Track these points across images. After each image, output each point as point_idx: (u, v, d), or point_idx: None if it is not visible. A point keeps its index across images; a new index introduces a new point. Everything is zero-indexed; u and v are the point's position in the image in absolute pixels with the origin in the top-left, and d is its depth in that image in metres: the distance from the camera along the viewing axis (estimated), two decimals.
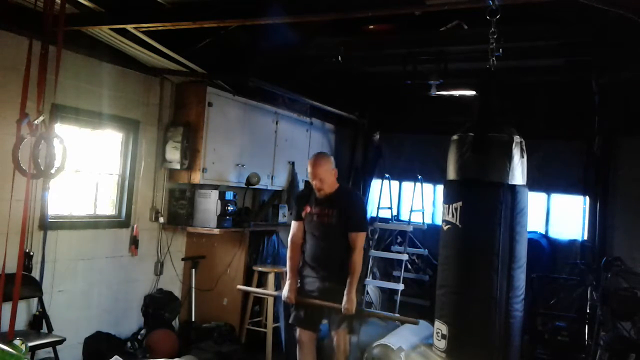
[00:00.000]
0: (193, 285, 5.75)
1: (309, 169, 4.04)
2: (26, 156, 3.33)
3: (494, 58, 3.27)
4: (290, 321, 4.20)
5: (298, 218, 4.22)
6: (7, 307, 3.57)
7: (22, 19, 3.99)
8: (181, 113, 5.53)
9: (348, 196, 4.13)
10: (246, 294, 5.70)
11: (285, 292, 4.16)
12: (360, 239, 3.99)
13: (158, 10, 3.87)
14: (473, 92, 5.38)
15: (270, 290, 5.55)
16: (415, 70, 5.52)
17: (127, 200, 5.25)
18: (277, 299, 4.53)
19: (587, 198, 6.30)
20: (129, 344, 5.03)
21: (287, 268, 4.22)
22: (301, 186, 6.86)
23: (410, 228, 6.60)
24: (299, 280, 4.20)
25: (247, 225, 5.81)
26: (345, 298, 3.89)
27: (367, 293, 6.40)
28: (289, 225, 4.35)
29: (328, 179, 4.01)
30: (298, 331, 4.14)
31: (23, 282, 3.71)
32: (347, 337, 4.05)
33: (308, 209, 4.12)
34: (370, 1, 3.31)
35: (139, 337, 5.16)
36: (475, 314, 3.22)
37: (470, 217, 3.22)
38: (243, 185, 5.86)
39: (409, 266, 6.81)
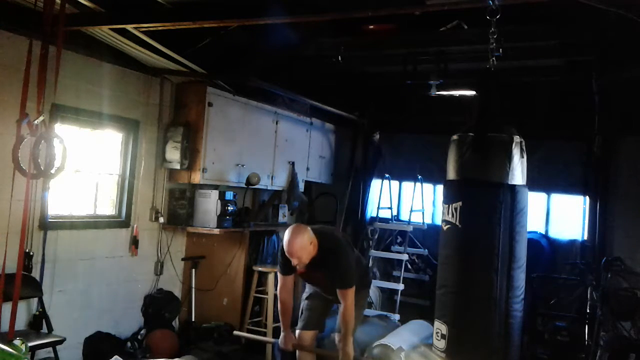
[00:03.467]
0: (193, 285, 5.75)
1: (286, 248, 3.69)
2: (26, 156, 3.34)
3: (494, 58, 3.28)
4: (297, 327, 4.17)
5: (285, 272, 3.93)
6: (7, 307, 3.57)
7: (22, 19, 3.99)
8: (181, 113, 5.53)
9: (329, 256, 3.79)
10: (246, 293, 5.71)
11: (281, 340, 4.03)
12: (348, 294, 3.77)
13: (158, 10, 3.87)
14: (473, 92, 5.38)
15: (269, 289, 5.56)
16: (415, 70, 5.52)
17: (127, 200, 5.25)
18: (274, 346, 4.49)
19: (587, 198, 6.29)
20: (129, 344, 5.03)
21: (280, 315, 4.03)
22: (301, 186, 6.87)
23: (410, 228, 6.60)
24: (306, 292, 4.17)
25: (247, 225, 5.81)
26: (340, 353, 3.84)
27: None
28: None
29: (305, 254, 3.69)
30: (299, 332, 4.12)
31: (23, 282, 3.71)
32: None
33: (301, 270, 3.87)
34: (370, 1, 3.30)
35: (139, 337, 5.16)
36: (475, 314, 3.22)
37: (470, 217, 3.22)
38: (243, 185, 5.86)
39: (409, 266, 6.81)
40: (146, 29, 4.27)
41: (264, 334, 5.46)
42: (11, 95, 3.89)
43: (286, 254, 3.69)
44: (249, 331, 5.65)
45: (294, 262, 3.68)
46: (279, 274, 3.99)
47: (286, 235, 3.68)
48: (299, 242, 3.63)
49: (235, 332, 4.98)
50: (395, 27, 4.85)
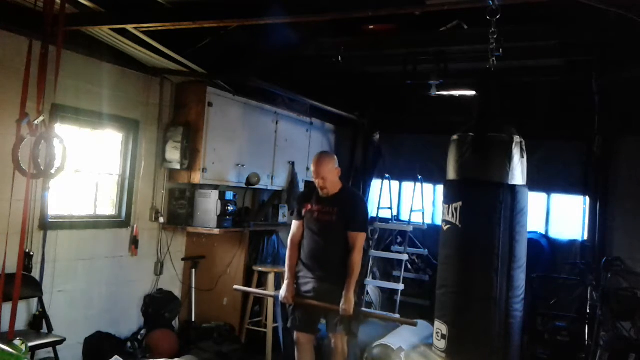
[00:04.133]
0: (193, 285, 5.75)
1: (312, 168, 4.02)
2: (26, 156, 3.33)
3: (494, 58, 3.28)
4: (288, 325, 4.19)
5: (299, 217, 4.19)
6: (7, 307, 3.58)
7: (22, 19, 3.99)
8: (181, 113, 5.53)
9: (351, 196, 4.13)
10: (246, 294, 5.70)
11: (282, 292, 4.13)
12: (360, 239, 3.97)
13: (158, 10, 3.87)
14: (473, 92, 5.38)
15: (269, 290, 5.56)
16: (415, 70, 5.52)
17: (127, 200, 5.25)
18: (274, 299, 4.52)
19: (587, 198, 6.29)
20: (129, 344, 5.03)
21: (286, 267, 4.20)
22: (301, 186, 6.86)
23: (410, 228, 6.59)
24: (295, 281, 4.19)
25: (247, 225, 5.81)
26: (343, 299, 3.87)
27: (367, 293, 6.41)
28: (289, 225, 4.34)
29: (331, 178, 4.00)
30: (296, 333, 4.13)
31: (23, 282, 3.72)
32: (345, 339, 4.03)
33: (309, 206, 4.10)
34: (370, 1, 3.30)
35: (139, 337, 5.16)
36: (475, 314, 3.22)
37: (470, 217, 3.22)
38: (243, 185, 5.86)
39: (409, 266, 6.80)
40: (146, 29, 4.27)
41: (264, 334, 5.46)
42: (11, 95, 3.89)
43: (313, 174, 4.02)
44: (248, 331, 5.66)
45: (319, 182, 3.98)
46: (293, 221, 4.24)
47: (314, 158, 4.05)
48: (327, 162, 3.99)
49: (236, 287, 5.04)
50: (395, 27, 4.85)
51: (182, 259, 5.84)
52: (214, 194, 5.52)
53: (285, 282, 4.16)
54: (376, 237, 6.79)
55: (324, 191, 4.00)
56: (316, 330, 4.22)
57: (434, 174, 6.81)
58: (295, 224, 4.22)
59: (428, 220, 6.96)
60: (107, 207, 5.24)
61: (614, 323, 4.98)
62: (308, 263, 4.11)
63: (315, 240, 4.09)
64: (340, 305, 3.87)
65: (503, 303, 3.16)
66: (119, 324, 5.19)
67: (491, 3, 2.95)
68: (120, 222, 5.22)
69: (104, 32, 4.33)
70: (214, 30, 4.71)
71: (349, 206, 3.99)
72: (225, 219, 5.54)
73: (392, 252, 6.84)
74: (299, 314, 4.12)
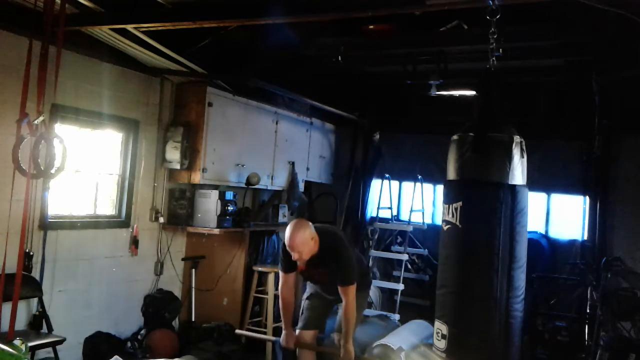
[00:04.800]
0: (193, 285, 5.75)
1: (287, 242, 3.71)
2: (26, 156, 3.34)
3: (494, 58, 3.28)
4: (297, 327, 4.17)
5: (286, 270, 3.93)
6: (7, 307, 3.58)
7: (22, 19, 3.98)
8: (181, 113, 5.53)
9: (330, 253, 3.80)
10: (246, 294, 5.71)
11: (283, 340, 4.03)
12: (349, 291, 3.77)
13: (158, 10, 3.87)
14: (473, 92, 5.38)
15: (269, 289, 5.56)
16: (415, 70, 5.52)
17: (127, 200, 5.25)
18: (275, 344, 4.49)
19: (587, 198, 6.29)
20: (129, 344, 5.03)
21: (282, 314, 4.02)
22: (301, 186, 6.86)
23: (410, 228, 6.59)
24: (307, 292, 4.17)
25: (247, 225, 5.81)
26: (342, 350, 3.83)
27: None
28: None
29: (307, 249, 3.69)
30: (299, 332, 4.12)
31: (23, 282, 3.72)
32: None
33: (299, 267, 3.88)
34: (370, 1, 3.30)
35: (139, 337, 5.16)
36: (475, 314, 3.22)
37: (470, 217, 3.22)
38: (243, 185, 5.86)
39: (409, 266, 6.81)
40: (146, 29, 4.26)
41: (264, 334, 5.45)
42: (11, 95, 3.89)
43: (287, 248, 3.69)
44: (249, 331, 5.65)
45: (295, 256, 3.68)
46: (280, 272, 3.99)
47: (288, 229, 3.69)
48: (300, 237, 3.64)
49: (237, 331, 4.98)
50: (395, 27, 4.85)
51: (182, 259, 5.84)
52: (214, 194, 5.52)
53: (284, 331, 4.01)
54: (376, 237, 6.80)
55: (300, 262, 3.77)
56: (322, 327, 4.22)
57: (434, 174, 6.81)
58: (283, 276, 3.97)
59: (428, 220, 6.97)
60: (107, 207, 5.24)
61: (614, 323, 4.97)
62: (321, 293, 4.09)
63: (317, 289, 4.10)
64: (341, 355, 3.84)
65: (503, 303, 3.16)
66: (119, 324, 5.19)
67: (491, 3, 2.95)
68: (120, 222, 5.22)
69: (104, 32, 4.33)
70: (214, 30, 4.71)
71: (331, 264, 3.80)
72: (225, 219, 5.54)
73: (392, 252, 6.84)
74: (308, 314, 4.12)
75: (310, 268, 3.84)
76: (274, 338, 4.53)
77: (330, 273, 3.81)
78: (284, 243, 3.76)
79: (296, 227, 3.67)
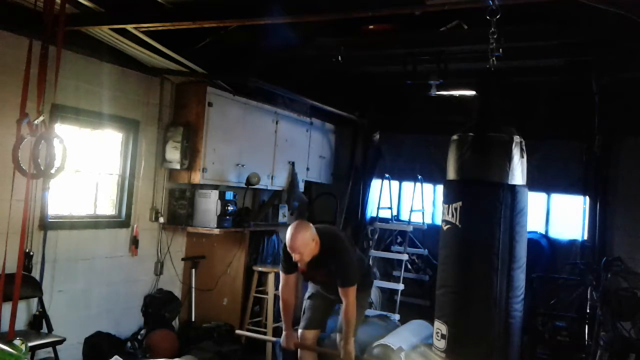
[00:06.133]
0: (193, 285, 5.75)
1: (288, 243, 3.70)
2: (26, 156, 3.34)
3: (494, 58, 3.28)
4: (299, 327, 4.17)
5: (287, 271, 3.93)
6: (7, 307, 3.58)
7: (22, 19, 3.99)
8: (181, 113, 5.53)
9: (331, 254, 3.80)
10: (246, 294, 5.71)
11: (283, 340, 4.03)
12: (349, 293, 3.77)
13: (158, 10, 3.87)
14: (473, 92, 5.37)
15: (269, 289, 5.56)
16: (415, 70, 5.52)
17: (127, 200, 5.25)
18: (276, 345, 4.50)
19: (587, 198, 6.29)
20: (129, 344, 5.03)
21: (282, 315, 4.03)
22: (301, 186, 6.86)
23: (410, 228, 6.60)
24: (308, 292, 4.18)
25: (247, 225, 5.81)
26: (342, 351, 3.84)
27: None
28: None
29: (307, 251, 3.70)
30: (300, 331, 4.12)
31: (23, 282, 3.71)
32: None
33: (300, 269, 3.90)
34: (370, 1, 3.30)
35: (139, 337, 5.16)
36: (475, 314, 3.22)
37: (470, 217, 3.22)
38: (243, 185, 5.86)
39: (409, 266, 6.81)
40: (146, 29, 4.27)
41: (264, 334, 5.46)
42: (11, 95, 3.89)
43: (288, 249, 3.69)
44: (249, 331, 5.65)
45: (296, 257, 3.69)
46: (281, 273, 3.99)
47: (288, 231, 3.70)
48: (300, 238, 3.64)
49: (238, 331, 4.99)
50: (395, 27, 4.85)
51: (182, 259, 5.84)
52: (214, 194, 5.52)
53: (285, 332, 4.01)
54: (376, 237, 6.80)
55: (301, 263, 3.78)
56: (324, 327, 4.22)
57: (434, 174, 6.82)
58: (284, 277, 3.97)
59: (428, 220, 6.97)
60: (107, 207, 5.24)
61: (614, 323, 4.97)
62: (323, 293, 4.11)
63: (319, 288, 4.12)
64: (341, 356, 3.85)
65: (503, 303, 3.17)
66: (119, 324, 5.19)
67: (491, 3, 2.95)
68: (120, 222, 5.22)
69: (104, 32, 4.33)
70: (214, 30, 4.71)
71: (332, 265, 3.80)
72: (225, 219, 5.54)
73: (392, 252, 6.84)
74: (309, 314, 4.13)
75: (311, 269, 3.84)
76: (274, 339, 4.53)
77: (331, 274, 3.81)
78: (284, 244, 3.76)
79: (297, 229, 3.67)
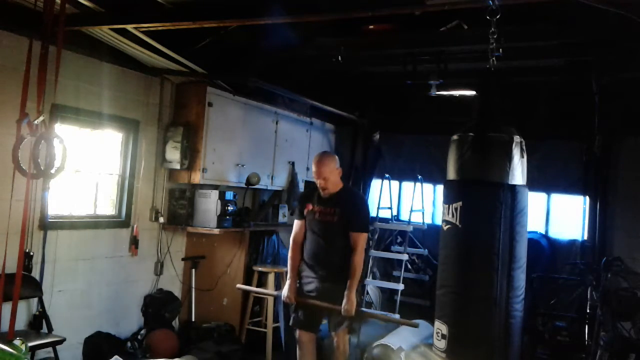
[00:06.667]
0: (193, 285, 5.75)
1: (314, 168, 4.01)
2: (26, 156, 3.33)
3: (494, 58, 3.28)
4: (290, 324, 4.19)
5: (300, 217, 4.18)
6: (7, 307, 3.57)
7: (22, 19, 3.99)
8: (181, 113, 5.53)
9: (352, 196, 4.12)
10: (246, 294, 5.70)
11: (285, 291, 4.15)
12: (361, 239, 3.96)
13: (158, 10, 3.87)
14: (473, 92, 5.37)
15: (270, 289, 5.56)
16: (415, 70, 5.52)
17: (127, 200, 5.25)
18: (276, 298, 4.53)
19: (587, 198, 6.29)
20: (129, 344, 5.03)
21: (288, 267, 4.20)
22: (301, 186, 6.86)
23: (410, 228, 6.59)
24: (298, 281, 4.19)
25: (247, 225, 5.81)
26: (345, 299, 3.87)
27: (367, 293, 6.41)
28: (289, 225, 4.34)
29: (333, 178, 3.98)
30: (298, 332, 4.13)
31: (23, 282, 3.71)
32: (347, 338, 4.05)
33: (310, 206, 4.09)
34: (370, 1, 3.30)
35: (139, 337, 5.16)
36: (475, 314, 3.22)
37: (470, 217, 3.23)
38: (243, 185, 5.86)
39: (409, 266, 6.81)
40: (146, 29, 4.27)
41: (264, 334, 5.46)
42: (11, 95, 3.88)
43: (314, 174, 4.00)
44: (248, 331, 5.66)
45: (320, 183, 3.96)
46: (295, 221, 4.22)
47: (315, 158, 4.04)
48: (327, 163, 3.97)
49: (239, 286, 5.03)
50: (395, 27, 4.85)
51: (182, 259, 5.84)
52: (214, 194, 5.52)
53: (288, 281, 4.16)
54: (376, 237, 6.80)
55: (325, 191, 3.99)
56: (318, 329, 4.23)
57: (434, 174, 6.81)
58: (297, 223, 4.22)
59: (428, 220, 6.96)
60: (107, 207, 5.24)
61: (614, 323, 4.97)
62: (310, 263, 4.11)
63: (317, 240, 4.09)
64: (343, 305, 3.87)
65: (503, 303, 3.17)
66: (119, 324, 5.19)
67: (491, 3, 2.95)
68: (120, 222, 5.22)
69: (104, 32, 4.33)
70: (214, 30, 4.71)
71: (350, 206, 3.98)
72: (225, 219, 5.54)
73: (392, 252, 6.84)
74: (302, 312, 4.13)
75: (326, 203, 4.03)
76: (275, 292, 4.64)
77: (343, 214, 3.97)
78: (301, 192, 3.99)
79: (324, 155, 4.08)
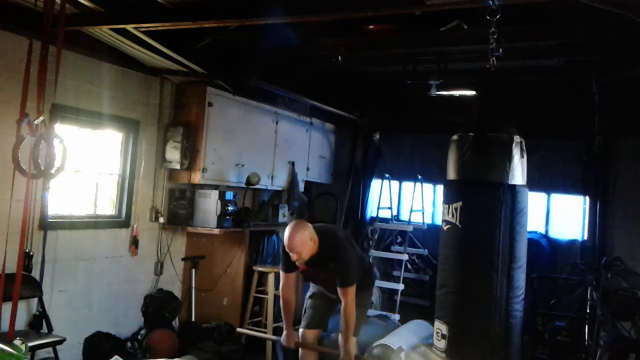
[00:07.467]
0: (193, 285, 5.75)
1: (286, 242, 3.70)
2: (26, 156, 3.34)
3: (494, 58, 3.28)
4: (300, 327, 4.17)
5: (288, 270, 3.92)
6: (7, 307, 3.58)
7: (22, 19, 3.99)
8: (181, 113, 5.53)
9: (330, 254, 3.79)
10: (246, 294, 5.71)
11: (284, 340, 4.04)
12: (348, 293, 3.75)
13: (158, 10, 3.87)
14: (473, 92, 5.38)
15: (270, 289, 5.56)
16: (415, 70, 5.53)
17: (127, 200, 5.25)
18: (276, 344, 4.50)
19: (587, 198, 6.30)
20: (129, 344, 5.03)
21: (283, 315, 4.03)
22: (301, 186, 6.86)
23: (410, 228, 6.60)
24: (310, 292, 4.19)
25: (247, 225, 5.80)
26: (342, 350, 3.83)
27: None
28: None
29: (306, 250, 3.69)
30: (302, 331, 4.12)
31: (23, 282, 3.72)
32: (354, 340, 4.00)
33: (302, 267, 3.89)
34: (370, 1, 3.31)
35: (139, 337, 5.16)
36: (475, 314, 3.22)
37: (470, 217, 3.22)
38: (243, 185, 5.86)
39: (409, 266, 6.81)
40: (146, 29, 4.27)
41: (265, 334, 5.45)
42: (11, 95, 3.89)
43: (286, 248, 3.70)
44: (249, 330, 5.65)
45: (294, 257, 3.69)
46: (281, 272, 3.99)
47: (287, 230, 3.70)
48: (299, 237, 3.64)
49: (239, 329, 4.99)
50: (395, 27, 4.85)
51: (182, 259, 5.84)
52: (214, 194, 5.52)
53: (285, 331, 4.01)
54: (376, 237, 6.80)
55: (299, 263, 3.77)
56: (326, 325, 4.22)
57: (434, 174, 6.81)
58: (284, 276, 3.97)
59: (428, 220, 6.97)
60: (107, 207, 5.24)
61: (614, 323, 4.97)
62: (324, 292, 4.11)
63: (320, 288, 4.12)
64: (340, 357, 3.84)
65: (503, 303, 3.17)
66: (119, 324, 5.19)
67: (491, 3, 2.95)
68: (120, 222, 5.22)
69: (104, 32, 4.33)
70: (214, 30, 4.71)
71: (331, 263, 3.79)
72: (225, 219, 5.54)
73: (392, 252, 6.85)
74: (311, 312, 4.13)
75: (311, 268, 3.84)
76: (274, 337, 4.53)
77: (331, 273, 3.81)
78: (283, 243, 3.77)
79: (295, 228, 3.67)
